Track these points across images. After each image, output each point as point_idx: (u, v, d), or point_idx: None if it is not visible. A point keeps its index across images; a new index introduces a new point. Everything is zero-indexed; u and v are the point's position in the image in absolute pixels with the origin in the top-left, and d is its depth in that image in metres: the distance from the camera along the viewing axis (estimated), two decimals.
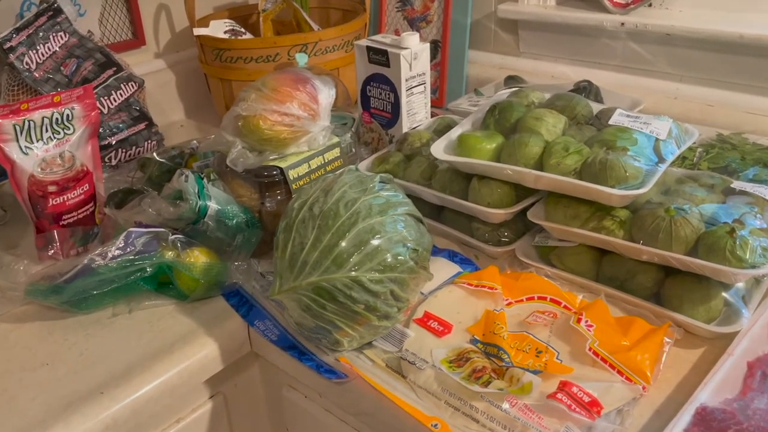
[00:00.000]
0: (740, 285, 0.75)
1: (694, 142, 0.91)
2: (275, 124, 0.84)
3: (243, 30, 1.38)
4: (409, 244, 0.69)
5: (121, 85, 1.17)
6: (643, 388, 0.65)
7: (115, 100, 1.16)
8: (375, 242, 0.67)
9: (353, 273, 0.66)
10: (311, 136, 0.88)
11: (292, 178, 0.86)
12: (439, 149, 0.89)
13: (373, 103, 1.11)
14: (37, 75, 1.11)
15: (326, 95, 0.88)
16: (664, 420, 0.62)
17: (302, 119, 0.86)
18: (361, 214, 0.68)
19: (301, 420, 0.85)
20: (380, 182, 0.73)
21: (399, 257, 0.68)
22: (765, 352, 0.68)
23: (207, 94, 1.47)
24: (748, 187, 0.79)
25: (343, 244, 0.67)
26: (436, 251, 0.88)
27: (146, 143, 1.21)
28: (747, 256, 0.68)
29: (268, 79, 0.87)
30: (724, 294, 0.73)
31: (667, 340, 0.70)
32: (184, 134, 1.39)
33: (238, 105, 0.86)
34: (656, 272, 0.76)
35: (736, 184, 0.80)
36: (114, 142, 1.16)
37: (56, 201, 0.92)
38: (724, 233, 0.70)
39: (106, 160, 1.15)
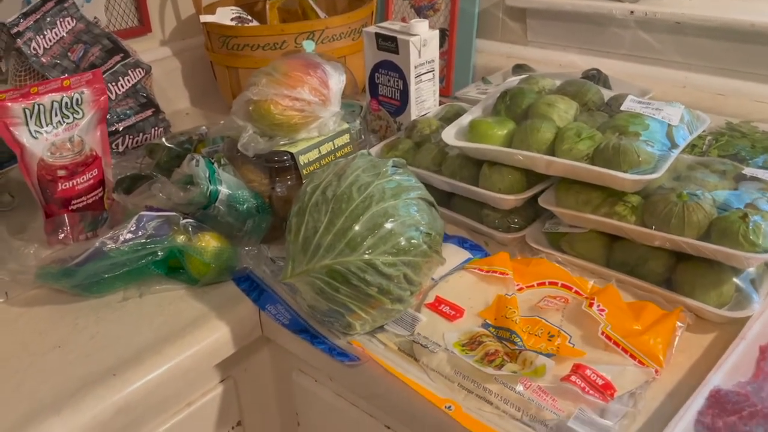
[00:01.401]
0: (751, 270, 0.75)
1: (704, 130, 0.91)
2: (286, 108, 0.84)
3: (249, 17, 1.38)
4: (422, 228, 0.69)
5: (129, 72, 1.17)
6: (656, 371, 0.66)
7: (122, 87, 1.16)
8: (388, 226, 0.67)
9: (367, 256, 0.66)
10: (322, 121, 0.87)
11: (302, 164, 0.86)
12: (450, 135, 0.89)
13: (382, 90, 1.10)
14: (44, 60, 1.11)
15: (337, 81, 0.88)
16: (676, 403, 0.62)
17: (313, 104, 0.85)
18: (375, 198, 0.68)
19: (311, 404, 0.85)
20: (393, 167, 0.73)
21: (412, 241, 0.68)
22: None
23: (213, 81, 1.47)
24: (760, 173, 0.79)
25: (357, 227, 0.67)
26: (446, 238, 0.88)
27: (153, 130, 1.20)
28: (760, 241, 0.68)
29: (278, 64, 0.87)
30: (735, 279, 0.73)
31: (680, 324, 0.70)
32: (189, 122, 1.39)
33: (249, 90, 0.85)
34: (668, 258, 0.76)
35: (748, 171, 0.80)
36: (121, 129, 1.15)
37: (65, 186, 0.92)
38: (736, 218, 0.70)
39: (113, 146, 1.15)
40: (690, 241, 0.72)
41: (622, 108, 0.84)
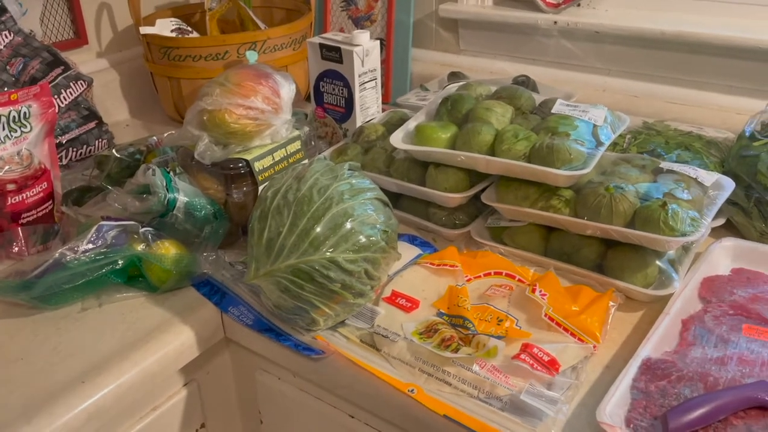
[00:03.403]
0: (671, 253, 0.83)
1: (624, 129, 1.00)
2: (240, 117, 0.87)
3: (189, 29, 1.39)
4: (379, 226, 0.74)
5: (71, 84, 1.17)
6: (594, 347, 0.73)
7: (64, 99, 1.15)
8: (349, 225, 0.72)
9: (329, 254, 0.71)
10: (274, 129, 0.91)
11: (257, 170, 0.89)
12: (397, 139, 0.95)
13: (327, 98, 1.15)
14: None
15: (287, 90, 0.92)
16: (613, 373, 0.69)
17: (266, 113, 0.89)
18: (335, 200, 0.73)
19: (274, 401, 0.88)
20: (349, 170, 0.78)
21: (371, 238, 0.73)
22: (696, 310, 0.77)
23: (152, 92, 1.47)
24: (675, 166, 0.88)
25: (319, 227, 0.71)
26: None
27: (97, 142, 1.20)
28: (678, 226, 0.77)
29: (230, 75, 0.90)
30: (657, 262, 0.82)
31: (612, 304, 0.78)
32: (130, 133, 1.38)
33: (203, 100, 0.88)
34: (598, 245, 0.84)
35: (664, 164, 0.89)
36: (65, 141, 1.15)
37: (15, 200, 0.91)
38: (657, 206, 0.78)
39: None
40: (618, 229, 0.80)
41: (552, 111, 0.92)
